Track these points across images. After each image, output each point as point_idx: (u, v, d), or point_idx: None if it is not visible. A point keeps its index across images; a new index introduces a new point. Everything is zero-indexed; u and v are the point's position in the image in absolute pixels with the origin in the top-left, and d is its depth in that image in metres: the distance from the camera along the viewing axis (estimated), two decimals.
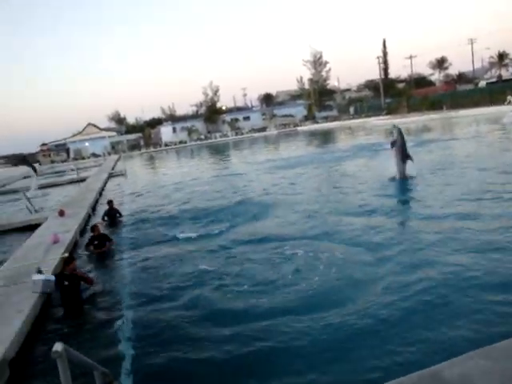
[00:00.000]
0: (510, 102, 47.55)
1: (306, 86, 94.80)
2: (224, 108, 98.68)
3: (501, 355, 3.08)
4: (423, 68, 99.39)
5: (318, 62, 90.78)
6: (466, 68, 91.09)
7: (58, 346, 3.45)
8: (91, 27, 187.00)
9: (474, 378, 2.91)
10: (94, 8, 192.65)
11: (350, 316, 6.38)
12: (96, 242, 11.88)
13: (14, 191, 30.39)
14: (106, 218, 15.90)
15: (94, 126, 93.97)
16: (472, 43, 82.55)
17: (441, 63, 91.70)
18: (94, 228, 12.29)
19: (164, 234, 13.19)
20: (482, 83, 79.22)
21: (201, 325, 6.83)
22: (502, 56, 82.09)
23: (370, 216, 11.81)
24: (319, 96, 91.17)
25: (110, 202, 16.37)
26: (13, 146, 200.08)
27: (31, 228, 15.96)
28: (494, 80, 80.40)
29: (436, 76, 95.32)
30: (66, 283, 8.42)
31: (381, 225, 10.75)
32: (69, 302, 8.33)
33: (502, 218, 9.76)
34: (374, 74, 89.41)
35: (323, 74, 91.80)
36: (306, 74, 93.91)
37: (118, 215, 16.14)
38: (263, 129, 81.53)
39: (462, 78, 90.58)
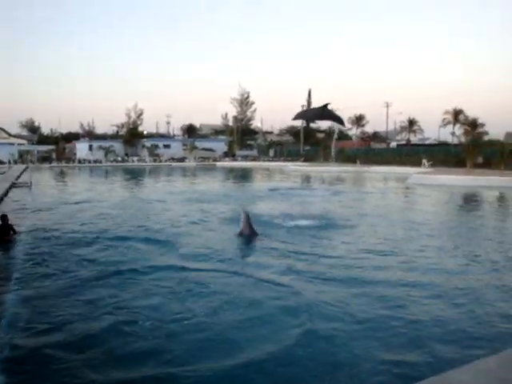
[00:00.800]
0: (424, 164, 51.32)
1: (230, 123, 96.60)
2: (145, 133, 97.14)
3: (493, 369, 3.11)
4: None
5: (244, 102, 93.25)
6: (381, 128, 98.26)
7: None
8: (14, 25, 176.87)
9: None
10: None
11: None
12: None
13: None
14: None
15: (3, 130, 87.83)
16: (388, 106, 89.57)
17: (359, 120, 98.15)
18: (2, 217, 13.39)
19: (60, 257, 11.92)
20: (393, 144, 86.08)
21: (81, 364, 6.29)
22: (411, 122, 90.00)
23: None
24: (242, 134, 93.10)
25: (3, 217, 14.31)
26: None
27: None
28: (403, 142, 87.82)
29: (353, 131, 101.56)
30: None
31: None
32: None
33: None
34: (297, 121, 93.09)
35: (248, 113, 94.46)
36: (232, 111, 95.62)
37: (11, 232, 14.20)
38: (182, 159, 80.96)
39: (376, 136, 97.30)
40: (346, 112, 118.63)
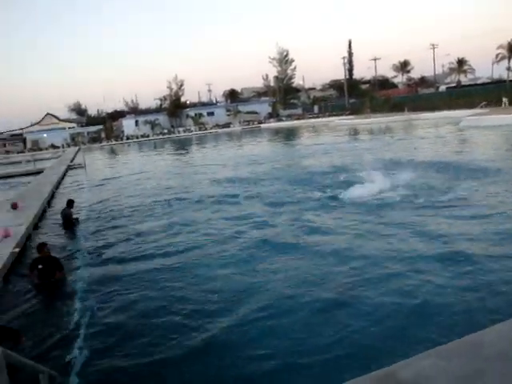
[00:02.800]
0: (504, 103, 47.72)
1: (272, 84, 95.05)
2: (188, 102, 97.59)
3: (454, 354, 3.10)
4: (387, 70, 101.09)
5: (284, 60, 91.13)
6: (428, 72, 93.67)
7: None
8: (48, 14, 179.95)
9: (429, 378, 2.90)
10: None
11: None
12: (40, 267, 8.72)
13: None
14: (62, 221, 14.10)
15: (54, 116, 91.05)
16: (434, 48, 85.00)
17: (403, 66, 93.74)
18: (41, 247, 9.14)
19: (126, 239, 11.83)
20: (443, 87, 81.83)
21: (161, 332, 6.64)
22: (461, 62, 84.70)
23: None
24: (284, 94, 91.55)
25: (70, 202, 14.60)
26: None
27: None
28: (453, 85, 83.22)
29: (399, 79, 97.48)
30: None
31: None
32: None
33: None
34: (339, 74, 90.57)
35: (289, 72, 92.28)
36: (272, 71, 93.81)
37: (75, 220, 14.29)
38: (227, 125, 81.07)
39: (423, 81, 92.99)
40: (389, 59, 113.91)
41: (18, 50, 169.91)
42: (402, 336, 5.65)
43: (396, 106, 62.26)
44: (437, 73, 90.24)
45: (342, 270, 7.97)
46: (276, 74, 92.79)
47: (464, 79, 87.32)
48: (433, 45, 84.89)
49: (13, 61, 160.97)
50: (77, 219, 14.42)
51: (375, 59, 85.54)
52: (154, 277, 8.73)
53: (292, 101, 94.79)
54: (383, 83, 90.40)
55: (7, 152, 76.13)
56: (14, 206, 15.93)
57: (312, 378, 5.07)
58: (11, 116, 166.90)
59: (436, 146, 25.96)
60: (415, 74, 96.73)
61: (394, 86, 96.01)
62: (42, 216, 15.95)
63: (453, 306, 6.21)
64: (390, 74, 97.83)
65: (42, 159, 46.14)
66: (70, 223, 13.92)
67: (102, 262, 10.09)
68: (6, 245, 10.83)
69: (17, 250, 10.71)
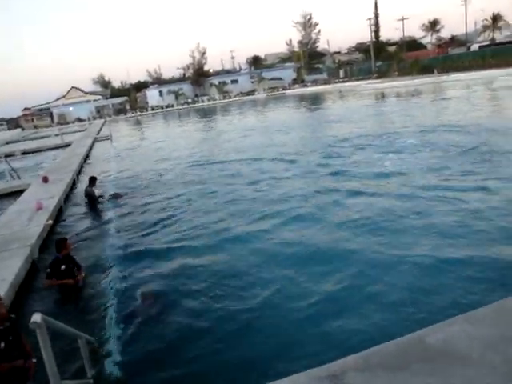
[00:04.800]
0: None
1: (296, 49, 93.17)
2: (211, 71, 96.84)
3: (483, 320, 3.10)
4: (415, 31, 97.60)
5: (307, 24, 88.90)
6: (459, 31, 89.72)
7: (36, 317, 3.30)
8: None
9: (457, 343, 2.91)
10: None
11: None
12: (63, 267, 7.36)
13: None
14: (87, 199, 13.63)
15: (78, 89, 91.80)
16: (466, 4, 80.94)
17: (433, 25, 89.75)
18: (62, 244, 7.64)
19: (156, 217, 11.35)
20: (475, 46, 78.12)
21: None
22: (495, 18, 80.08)
23: None
24: (309, 59, 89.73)
25: (92, 179, 13.88)
26: None
27: (14, 194, 15.64)
28: (486, 43, 79.12)
29: (428, 39, 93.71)
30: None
31: None
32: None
33: None
34: (365, 36, 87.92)
35: (313, 36, 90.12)
36: (296, 36, 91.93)
37: (100, 197, 13.76)
38: (252, 92, 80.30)
39: (454, 41, 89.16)
40: (418, 19, 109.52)
41: (41, 24, 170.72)
42: None
43: (425, 68, 60.19)
44: (468, 31, 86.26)
45: None
46: (300, 38, 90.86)
47: (499, 37, 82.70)
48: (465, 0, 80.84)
49: (37, 36, 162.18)
50: (102, 196, 13.91)
51: (403, 19, 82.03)
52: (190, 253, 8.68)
53: (317, 66, 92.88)
54: (411, 44, 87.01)
55: (35, 127, 77.56)
56: (45, 180, 16.29)
57: None
58: (38, 91, 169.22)
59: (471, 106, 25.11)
60: (445, 33, 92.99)
61: (423, 46, 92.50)
62: (71, 189, 16.27)
63: None
64: (418, 34, 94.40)
65: (69, 133, 46.81)
66: (93, 201, 13.42)
67: (130, 240, 9.80)
68: (40, 217, 11.12)
69: (50, 221, 10.99)
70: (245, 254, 7.98)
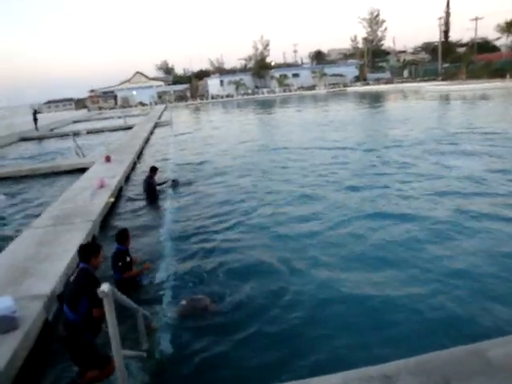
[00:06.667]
0: None
1: (360, 45, 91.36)
2: (273, 63, 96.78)
3: None
4: (489, 32, 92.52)
5: (374, 21, 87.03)
6: None
7: (104, 287, 3.48)
8: None
9: None
10: None
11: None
12: (128, 259, 6.92)
13: (65, 135, 31.15)
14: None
15: (142, 74, 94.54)
16: None
17: (510, 26, 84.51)
18: (126, 234, 7.12)
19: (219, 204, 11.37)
20: None
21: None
22: None
23: None
24: (372, 56, 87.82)
25: (153, 169, 13.09)
26: (63, 90, 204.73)
27: (79, 171, 16.39)
28: None
29: (503, 40, 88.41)
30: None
31: None
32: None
33: None
34: (433, 36, 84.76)
35: (379, 33, 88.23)
36: (361, 32, 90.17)
37: (160, 185, 13.27)
38: (312, 87, 79.65)
39: None
40: (492, 19, 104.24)
41: (109, 12, 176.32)
42: None
43: (497, 72, 57.25)
44: None
45: None
46: (365, 35, 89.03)
47: None
48: None
49: (105, 23, 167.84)
50: (162, 183, 13.52)
51: (476, 19, 78.40)
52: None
53: (380, 64, 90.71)
54: (483, 46, 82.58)
55: (100, 108, 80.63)
56: (108, 159, 16.97)
57: None
58: (104, 74, 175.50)
59: None
60: None
61: (497, 49, 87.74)
62: (132, 170, 16.85)
63: None
64: (492, 35, 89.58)
65: (131, 116, 48.28)
66: (153, 190, 12.68)
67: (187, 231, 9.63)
68: (102, 194, 11.61)
69: (111, 199, 11.46)
70: (314, 256, 7.64)
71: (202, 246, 8.49)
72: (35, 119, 40.74)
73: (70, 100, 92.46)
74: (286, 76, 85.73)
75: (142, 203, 12.13)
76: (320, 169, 14.47)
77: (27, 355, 5.04)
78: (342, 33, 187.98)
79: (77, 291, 4.41)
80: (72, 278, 4.58)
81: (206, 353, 5.15)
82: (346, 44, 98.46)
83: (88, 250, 4.81)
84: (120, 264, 6.76)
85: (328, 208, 10.20)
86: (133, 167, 17.29)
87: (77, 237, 8.36)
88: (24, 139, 35.17)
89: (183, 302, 6.12)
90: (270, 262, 7.48)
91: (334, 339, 5.22)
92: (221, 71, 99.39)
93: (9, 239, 8.83)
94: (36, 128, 40.28)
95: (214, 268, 7.42)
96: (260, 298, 6.29)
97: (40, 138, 35.42)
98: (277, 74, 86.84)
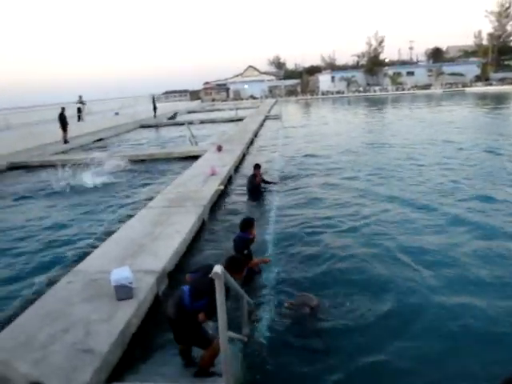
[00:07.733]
0: None
1: (484, 42, 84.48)
2: (387, 60, 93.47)
3: None
4: None
5: (504, 14, 79.29)
6: None
7: (218, 269, 3.59)
8: None
9: None
10: None
11: None
12: (246, 252, 6.60)
13: (180, 124, 32.89)
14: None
15: (254, 68, 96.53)
16: None
17: None
18: (252, 224, 6.88)
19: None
20: None
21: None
22: None
23: None
24: (498, 54, 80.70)
25: (257, 166, 12.17)
26: (180, 82, 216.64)
27: (192, 158, 17.22)
28: None
29: None
30: (246, 252, 6.63)
31: None
32: None
33: None
34: None
35: (508, 28, 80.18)
36: (486, 27, 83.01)
37: (263, 187, 12.43)
38: (427, 86, 75.62)
39: None
40: None
41: (224, 7, 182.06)
42: None
43: None
44: None
45: None
46: (491, 30, 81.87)
47: None
48: None
49: (221, 18, 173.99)
50: (267, 182, 12.76)
51: None
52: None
53: (507, 62, 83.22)
54: None
55: (213, 100, 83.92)
56: (219, 149, 17.64)
57: None
58: (218, 67, 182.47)
59: None
60: None
61: None
62: (241, 160, 17.31)
63: None
64: None
65: (242, 108, 49.55)
66: (257, 191, 11.97)
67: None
68: (213, 182, 12.08)
69: (221, 187, 11.89)
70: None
71: (309, 249, 7.95)
72: (155, 108, 43.75)
73: (185, 91, 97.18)
74: (399, 74, 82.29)
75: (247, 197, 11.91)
76: (447, 172, 13.50)
77: (139, 325, 5.41)
78: (462, 28, 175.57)
79: (206, 286, 4.05)
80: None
81: (302, 355, 5.03)
82: (467, 40, 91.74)
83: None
84: (246, 252, 6.56)
85: (465, 218, 9.15)
86: (242, 158, 17.76)
87: (188, 219, 8.78)
88: (143, 126, 37.90)
89: (294, 298, 6.00)
90: (397, 276, 6.71)
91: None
92: (332, 67, 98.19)
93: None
94: (154, 115, 43.19)
95: (323, 272, 7.04)
96: (380, 316, 5.68)
97: (157, 126, 37.87)
98: (390, 72, 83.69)
